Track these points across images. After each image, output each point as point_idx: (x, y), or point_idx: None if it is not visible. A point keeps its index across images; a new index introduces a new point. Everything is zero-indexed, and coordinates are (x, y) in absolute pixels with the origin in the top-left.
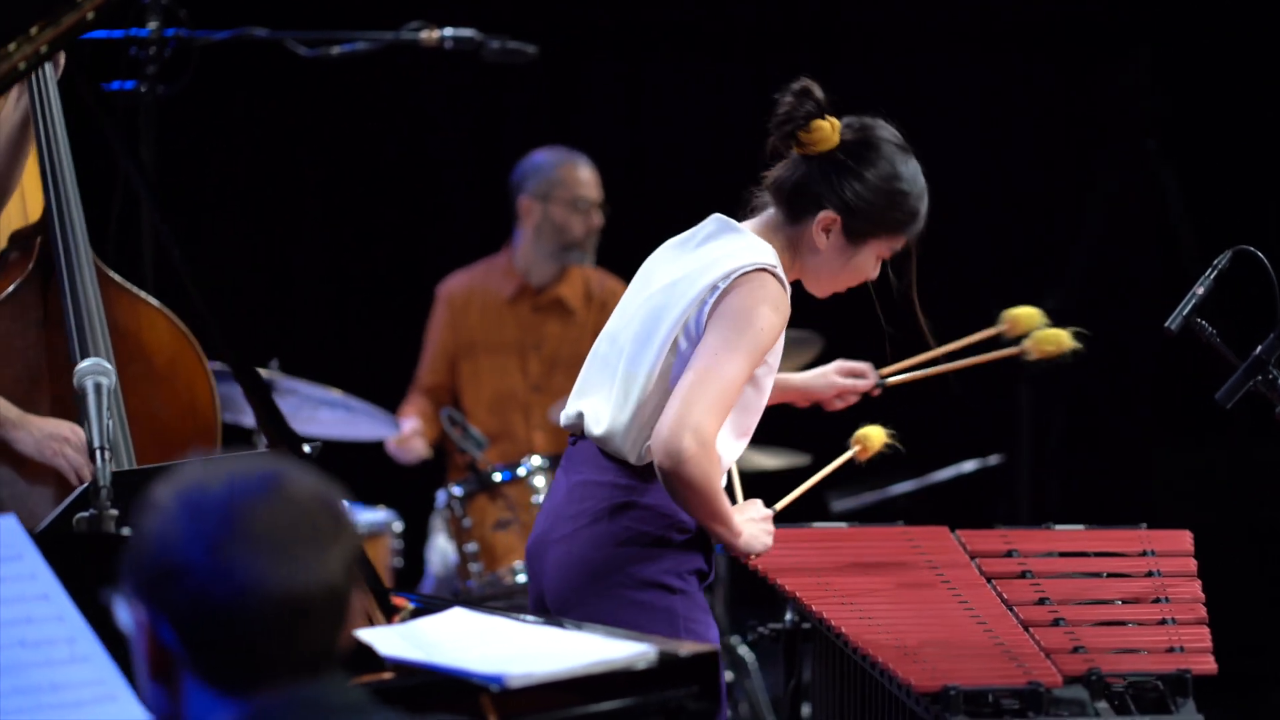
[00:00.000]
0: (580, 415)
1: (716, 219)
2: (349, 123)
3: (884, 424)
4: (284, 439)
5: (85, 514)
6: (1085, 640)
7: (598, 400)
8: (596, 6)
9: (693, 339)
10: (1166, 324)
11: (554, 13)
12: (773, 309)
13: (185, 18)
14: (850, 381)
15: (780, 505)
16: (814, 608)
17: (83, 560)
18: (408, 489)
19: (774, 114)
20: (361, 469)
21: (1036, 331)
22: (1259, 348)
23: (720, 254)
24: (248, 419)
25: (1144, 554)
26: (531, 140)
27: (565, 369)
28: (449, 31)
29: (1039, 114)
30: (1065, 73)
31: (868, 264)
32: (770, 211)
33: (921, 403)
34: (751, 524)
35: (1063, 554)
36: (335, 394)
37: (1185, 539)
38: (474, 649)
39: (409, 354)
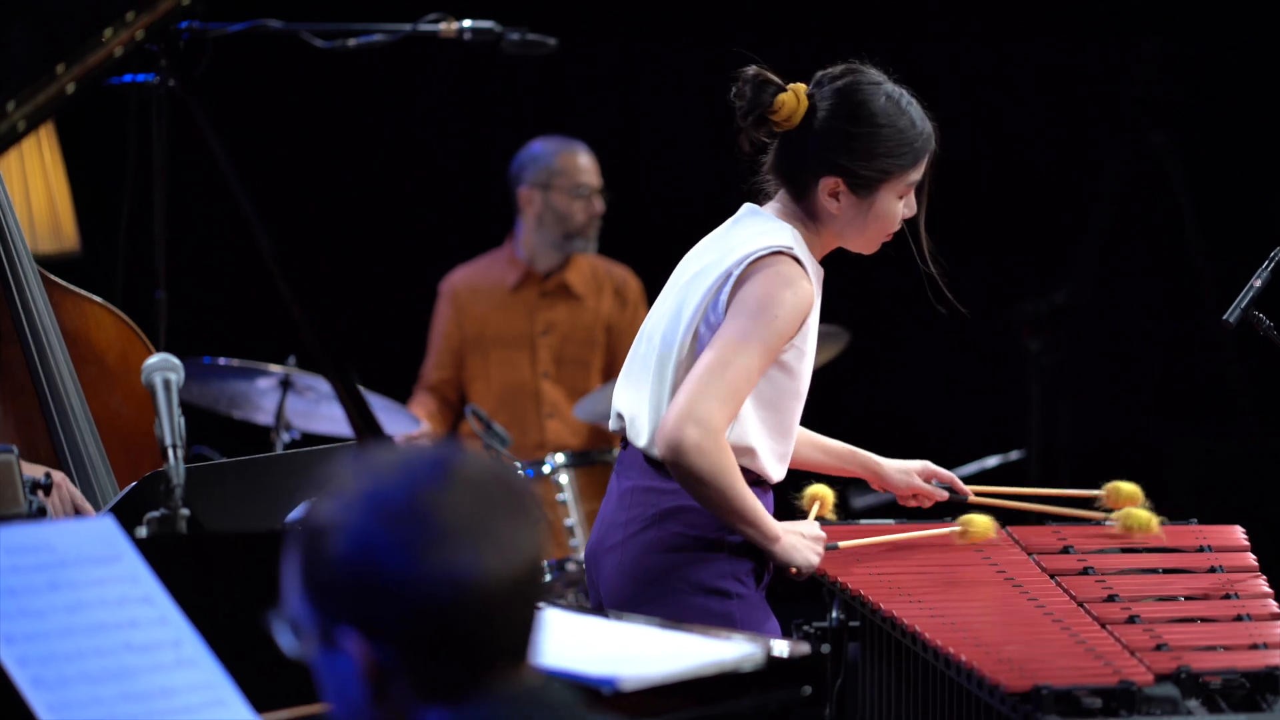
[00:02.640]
0: (621, 418)
1: (746, 206)
2: (364, 116)
3: (901, 417)
4: (376, 438)
5: (156, 514)
6: (1166, 638)
7: (637, 403)
8: None
9: (713, 328)
10: (1224, 316)
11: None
12: (791, 292)
13: (199, 9)
14: (928, 487)
15: (845, 544)
16: (882, 606)
17: (171, 560)
18: None
19: (737, 110)
20: None
21: (1130, 510)
22: None
23: (738, 241)
24: (261, 416)
25: (1200, 550)
26: (529, 131)
27: (574, 355)
28: (468, 23)
29: (1046, 106)
30: (1072, 65)
31: (892, 208)
32: (781, 193)
33: (937, 399)
34: (795, 535)
35: (1122, 550)
36: None
37: (1237, 534)
38: (576, 650)
39: (422, 350)
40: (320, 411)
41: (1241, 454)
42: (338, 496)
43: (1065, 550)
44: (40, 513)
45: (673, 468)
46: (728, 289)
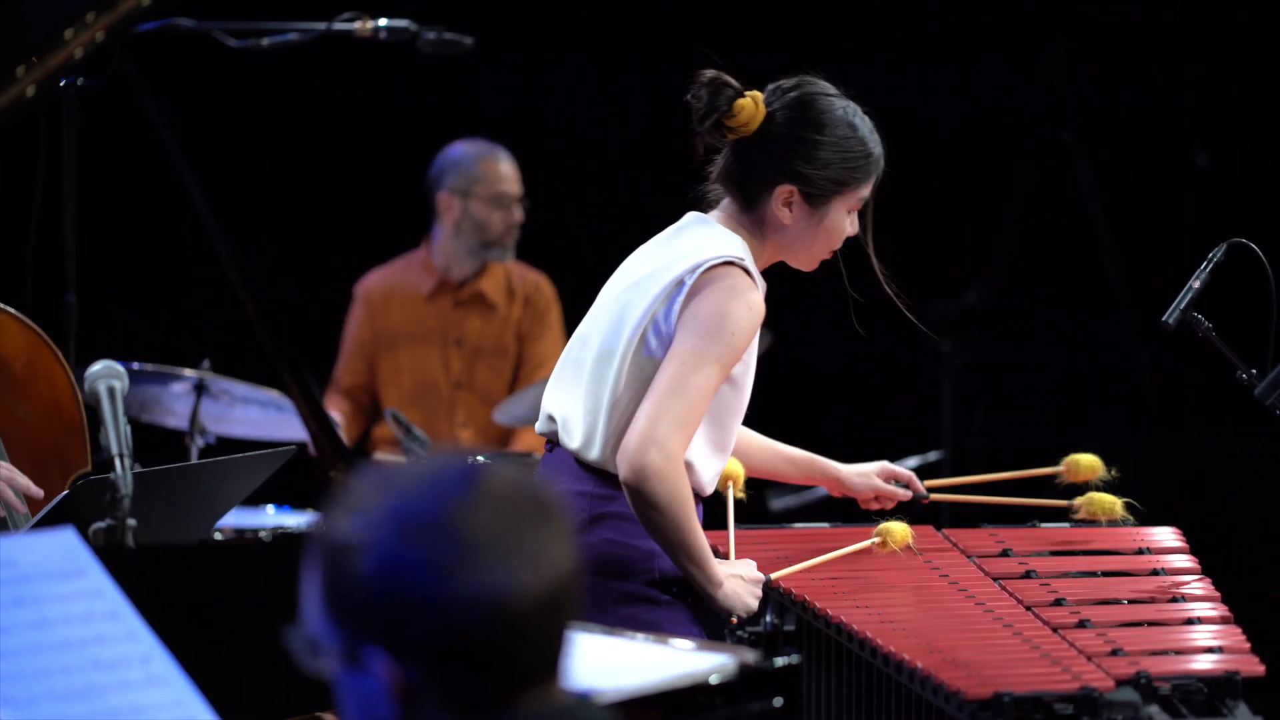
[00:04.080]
0: (552, 420)
1: (691, 214)
2: (278, 116)
3: (816, 418)
4: (334, 450)
5: (102, 525)
6: (1120, 642)
7: (569, 405)
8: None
9: (663, 336)
10: (1164, 319)
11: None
12: (745, 306)
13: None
14: (889, 488)
15: (778, 575)
16: (829, 611)
17: (133, 572)
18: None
19: (694, 113)
20: (295, 470)
21: (1092, 494)
22: None
23: (687, 248)
24: (172, 420)
25: (1140, 552)
26: (443, 132)
27: (488, 364)
28: (383, 22)
29: (954, 108)
30: (981, 67)
31: (841, 222)
32: (727, 201)
33: (851, 399)
34: (737, 580)
35: (1060, 552)
36: (268, 394)
37: (1174, 535)
38: None
39: (334, 351)
40: (235, 415)
41: (1152, 454)
42: (362, 512)
43: (1005, 553)
44: None
45: (631, 492)
46: (680, 297)
